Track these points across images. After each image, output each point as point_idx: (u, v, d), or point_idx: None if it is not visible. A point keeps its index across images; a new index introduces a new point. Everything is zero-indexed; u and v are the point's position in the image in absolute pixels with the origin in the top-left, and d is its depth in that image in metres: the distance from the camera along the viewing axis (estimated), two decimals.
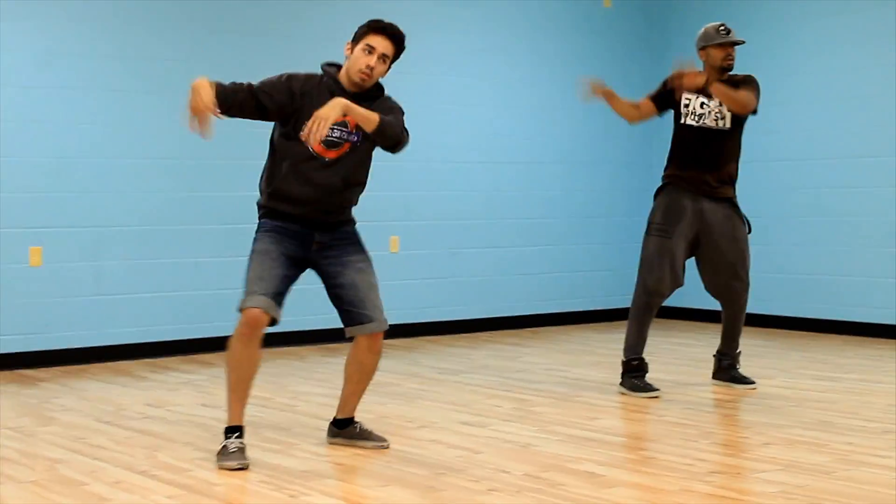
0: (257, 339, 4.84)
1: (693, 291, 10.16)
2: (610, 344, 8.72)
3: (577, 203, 10.22)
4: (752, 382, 6.70)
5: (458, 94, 9.55)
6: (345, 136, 4.95)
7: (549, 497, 4.28)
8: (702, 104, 6.48)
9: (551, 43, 10.06)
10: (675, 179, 6.58)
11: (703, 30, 6.57)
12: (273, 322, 4.87)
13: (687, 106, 6.52)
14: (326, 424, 5.38)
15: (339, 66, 5.07)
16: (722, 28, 6.50)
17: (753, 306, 7.53)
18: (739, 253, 6.55)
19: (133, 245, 8.08)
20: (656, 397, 6.36)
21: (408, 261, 9.23)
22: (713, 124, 6.48)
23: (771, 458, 4.91)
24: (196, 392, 6.75)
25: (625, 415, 5.96)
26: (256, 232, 5.02)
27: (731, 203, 6.58)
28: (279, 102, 4.90)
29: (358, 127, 4.90)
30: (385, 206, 9.13)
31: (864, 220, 9.11)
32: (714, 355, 6.90)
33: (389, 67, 5.07)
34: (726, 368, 6.78)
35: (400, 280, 9.16)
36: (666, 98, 6.59)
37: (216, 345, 8.28)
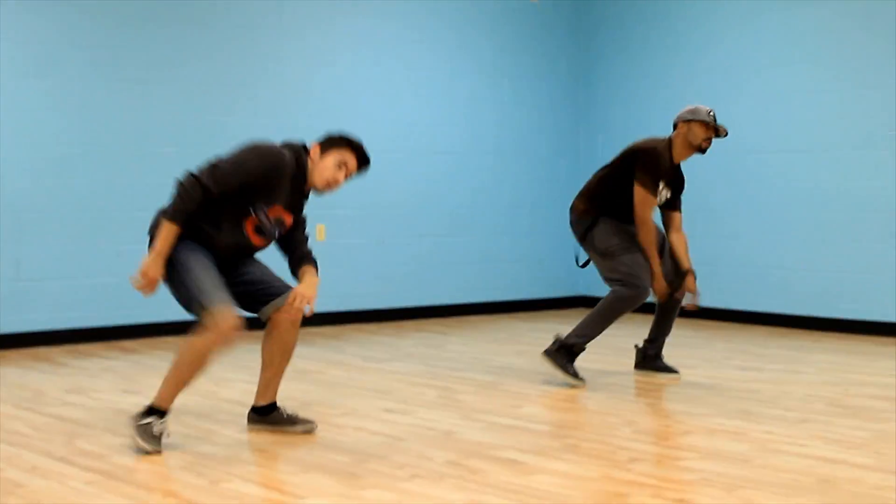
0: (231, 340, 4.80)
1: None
2: (534, 333, 8.75)
3: (504, 193, 10.23)
4: (676, 372, 6.76)
5: (386, 84, 9.52)
6: (277, 232, 5.10)
7: (471, 483, 4.28)
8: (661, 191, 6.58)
9: (479, 34, 10.06)
10: (608, 214, 6.60)
11: (693, 106, 6.56)
12: None
13: (661, 192, 6.56)
14: (246, 410, 5.34)
15: (304, 150, 5.12)
16: (712, 112, 6.51)
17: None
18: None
19: (54, 231, 7.98)
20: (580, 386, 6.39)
21: (334, 249, 9.18)
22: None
23: (691, 447, 4.95)
24: (117, 378, 6.67)
25: (548, 403, 5.98)
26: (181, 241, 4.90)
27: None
28: (235, 188, 4.87)
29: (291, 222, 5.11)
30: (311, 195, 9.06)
31: (784, 211, 9.22)
32: (637, 346, 6.94)
33: None
34: (651, 358, 6.83)
35: (326, 269, 9.04)
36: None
37: (138, 332, 8.24)
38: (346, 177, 5.11)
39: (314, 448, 4.87)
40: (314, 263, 5.16)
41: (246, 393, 6.02)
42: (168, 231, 4.76)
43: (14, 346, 7.74)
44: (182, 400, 5.77)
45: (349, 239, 9.30)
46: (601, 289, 10.34)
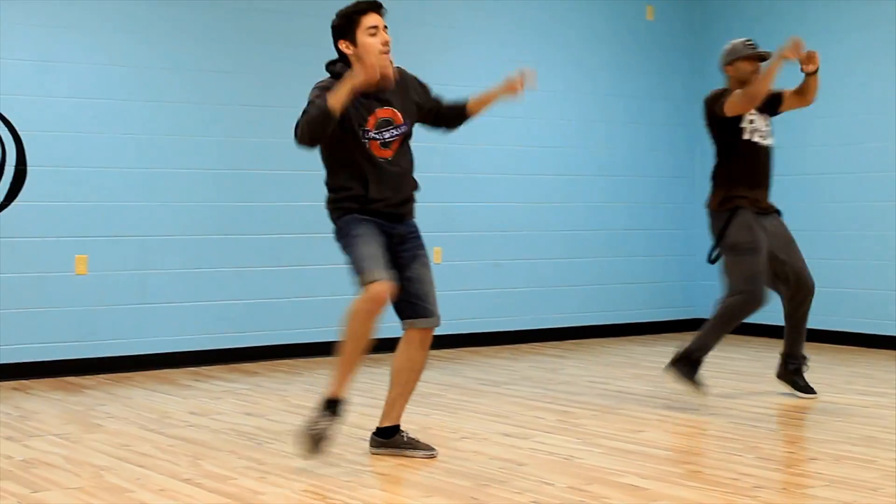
0: (379, 314, 4.88)
1: None
2: (652, 356, 8.69)
3: (619, 215, 10.18)
4: (813, 392, 6.67)
5: (500, 106, 9.49)
6: (401, 130, 5.14)
7: None
8: (752, 121, 6.51)
9: (593, 54, 10.04)
10: (745, 201, 6.52)
11: (729, 45, 6.62)
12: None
13: (752, 122, 6.51)
14: (368, 434, 5.38)
15: (340, 61, 5.10)
16: (749, 42, 6.55)
17: None
18: (800, 255, 6.62)
19: (177, 254, 8.14)
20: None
21: (450, 272, 9.22)
22: (769, 142, 6.59)
23: (817, 474, 4.87)
24: (239, 401, 6.77)
25: (669, 428, 5.93)
26: (342, 222, 5.04)
27: (778, 212, 6.71)
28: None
29: (403, 118, 5.10)
30: (427, 218, 9.09)
31: None
32: (781, 355, 6.83)
33: None
34: (791, 372, 6.74)
35: (442, 291, 9.04)
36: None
37: (258, 354, 8.36)
38: (385, 35, 5.01)
39: (435, 472, 4.89)
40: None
41: (365, 416, 6.07)
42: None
43: (139, 368, 7.91)
44: (303, 422, 5.85)
45: (465, 261, 9.33)
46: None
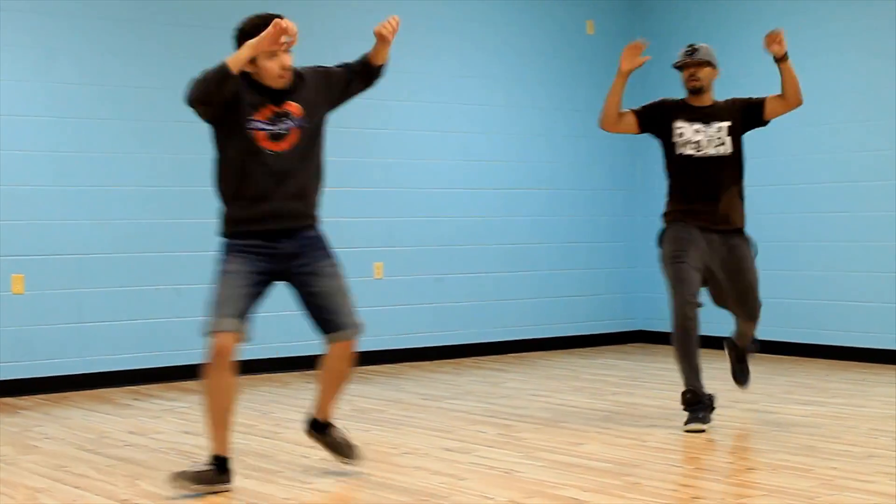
0: (230, 365, 4.75)
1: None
2: (593, 369, 8.72)
3: (561, 228, 10.22)
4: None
5: (439, 120, 9.56)
6: (291, 125, 4.91)
7: None
8: (696, 130, 6.28)
9: (534, 68, 10.08)
10: (678, 215, 6.31)
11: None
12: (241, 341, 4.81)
13: (681, 135, 6.30)
14: (310, 451, 5.35)
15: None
16: (688, 48, 6.38)
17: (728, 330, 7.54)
18: (748, 285, 6.30)
19: (113, 272, 8.06)
20: (702, 430, 6.09)
21: (392, 287, 9.21)
22: (714, 151, 6.25)
23: (755, 484, 4.90)
24: (178, 419, 6.71)
25: (609, 440, 5.94)
26: (220, 247, 4.97)
27: (739, 232, 6.30)
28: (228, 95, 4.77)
29: (305, 112, 4.92)
30: (368, 233, 9.14)
31: (845, 245, 9.13)
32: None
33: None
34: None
35: (384, 306, 9.15)
36: (653, 119, 6.41)
37: (197, 372, 8.28)
38: (286, 52, 4.85)
39: (376, 488, 4.87)
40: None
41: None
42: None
43: (77, 388, 7.82)
44: (244, 441, 5.83)
45: (406, 276, 9.32)
46: (659, 324, 10.35)
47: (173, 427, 6.46)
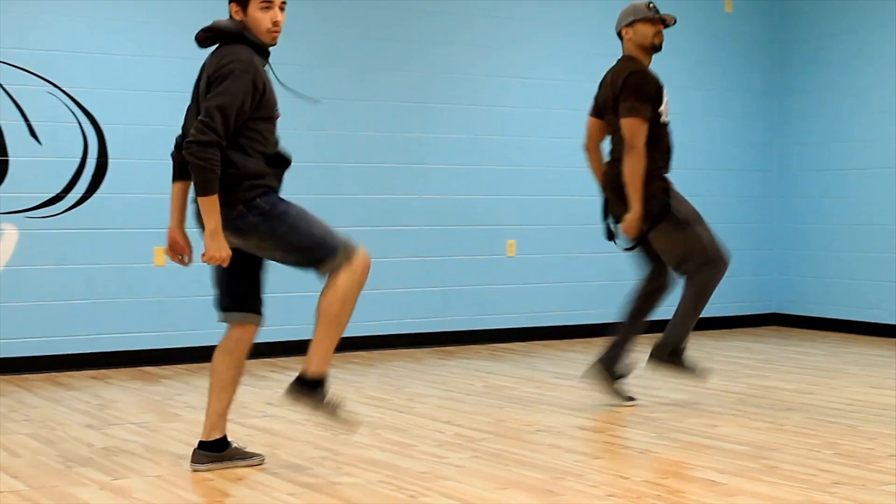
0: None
1: (813, 300, 10.05)
2: (727, 352, 8.62)
3: (697, 208, 10.07)
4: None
5: (574, 98, 9.49)
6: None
7: None
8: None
9: (670, 47, 9.90)
10: (668, 183, 6.26)
11: (629, 6, 6.18)
12: None
13: (666, 102, 6.19)
14: (445, 426, 5.39)
15: (237, 29, 4.66)
16: (651, 4, 6.13)
17: (868, 314, 7.39)
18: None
19: None
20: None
21: (524, 265, 9.22)
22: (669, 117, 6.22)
23: None
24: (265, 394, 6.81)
25: (745, 423, 5.87)
26: (276, 201, 4.67)
27: None
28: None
29: None
30: (501, 211, 9.16)
31: None
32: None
33: None
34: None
35: (516, 284, 9.17)
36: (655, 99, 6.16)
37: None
38: (278, 14, 4.64)
39: (510, 464, 4.89)
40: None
41: (441, 409, 6.11)
42: (209, 205, 4.49)
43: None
44: (378, 414, 5.90)
45: (539, 254, 9.32)
46: (794, 307, 10.20)
47: (261, 399, 6.54)
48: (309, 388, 4.68)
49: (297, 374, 4.74)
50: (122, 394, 6.76)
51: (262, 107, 4.62)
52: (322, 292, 4.64)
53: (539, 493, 4.42)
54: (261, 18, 4.63)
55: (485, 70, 9.08)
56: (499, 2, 9.14)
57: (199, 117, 4.54)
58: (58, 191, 7.64)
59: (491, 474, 4.75)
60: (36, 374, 7.44)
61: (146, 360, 7.87)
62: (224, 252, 4.56)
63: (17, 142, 7.53)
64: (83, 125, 7.69)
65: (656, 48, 6.18)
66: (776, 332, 9.92)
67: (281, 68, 8.21)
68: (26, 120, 7.55)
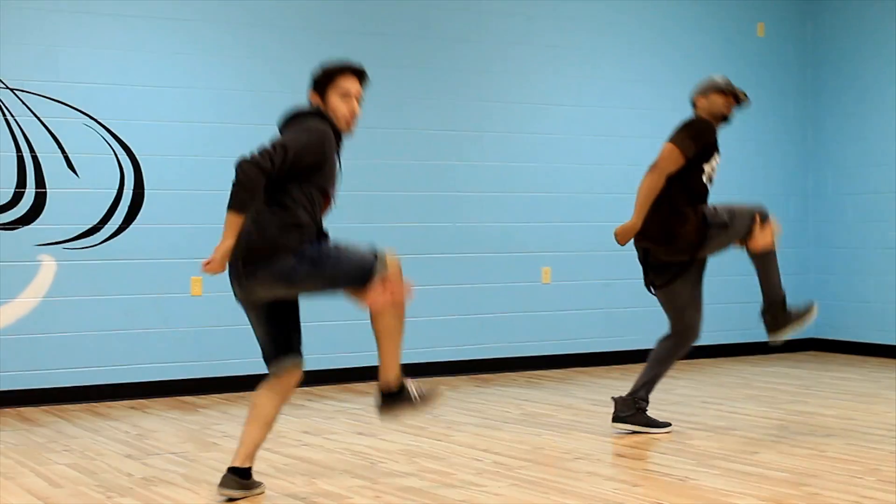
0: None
1: (852, 324, 9.98)
2: (765, 377, 8.58)
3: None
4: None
5: (606, 125, 9.52)
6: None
7: None
8: (715, 162, 6.42)
9: (703, 72, 9.92)
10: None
11: (707, 78, 6.45)
12: None
13: (713, 168, 6.41)
14: (483, 454, 5.37)
15: (316, 109, 4.88)
16: (728, 81, 6.39)
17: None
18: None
19: None
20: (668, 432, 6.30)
21: (560, 291, 9.21)
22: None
23: None
24: (351, 420, 6.82)
25: (785, 450, 5.83)
26: (313, 246, 4.77)
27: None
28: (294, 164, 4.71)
29: None
30: (536, 237, 9.15)
31: None
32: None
33: None
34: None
35: (552, 311, 9.15)
36: (706, 148, 6.32)
37: (370, 374, 8.40)
38: (357, 102, 4.88)
39: (549, 492, 4.87)
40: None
41: (478, 437, 6.10)
42: (234, 222, 4.64)
43: (252, 388, 7.99)
44: (416, 443, 5.89)
45: (575, 280, 9.30)
46: (833, 331, 10.14)
47: (346, 428, 6.56)
48: (398, 398, 4.91)
49: (382, 393, 4.92)
50: (160, 423, 6.78)
51: (319, 175, 4.73)
52: (372, 318, 4.85)
53: None
54: (339, 107, 4.84)
55: (518, 97, 9.10)
56: (531, 29, 9.16)
57: (263, 145, 4.64)
58: (95, 222, 7.70)
59: (530, 502, 4.72)
60: (74, 405, 7.48)
61: (183, 389, 7.89)
62: (220, 269, 4.75)
63: (54, 174, 7.59)
64: (119, 156, 7.75)
65: (725, 119, 6.42)
66: (815, 358, 9.85)
67: None
68: (63, 152, 7.62)
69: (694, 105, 6.43)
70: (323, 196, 4.80)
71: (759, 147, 10.22)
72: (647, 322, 9.59)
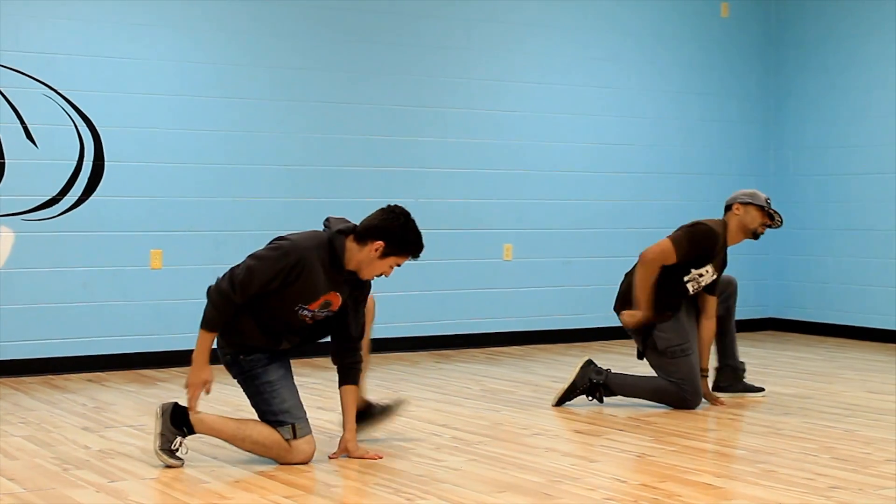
0: None
1: (811, 304, 10.05)
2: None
3: (692, 214, 10.01)
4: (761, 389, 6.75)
5: (571, 102, 9.52)
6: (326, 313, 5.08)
7: None
8: (710, 273, 6.43)
9: (667, 51, 9.98)
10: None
11: (750, 190, 6.50)
12: None
13: (701, 276, 6.37)
14: (441, 429, 5.38)
15: (330, 234, 5.04)
16: (769, 200, 6.43)
17: (865, 319, 7.38)
18: None
19: (249, 248, 8.18)
20: None
21: (520, 268, 9.22)
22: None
23: (894, 475, 4.80)
24: (312, 395, 6.80)
25: (741, 427, 5.88)
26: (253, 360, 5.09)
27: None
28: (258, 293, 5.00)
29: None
30: (498, 214, 9.15)
31: None
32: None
33: None
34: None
35: (512, 288, 9.17)
36: (699, 256, 6.38)
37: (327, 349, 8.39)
38: (390, 272, 5.07)
39: (507, 468, 4.88)
40: (356, 378, 5.17)
41: (438, 412, 6.11)
42: (203, 339, 5.03)
43: (213, 362, 7.97)
44: None
45: (535, 258, 9.32)
46: (791, 311, 10.21)
47: (307, 403, 6.53)
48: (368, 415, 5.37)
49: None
50: (118, 397, 6.74)
51: (286, 295, 4.92)
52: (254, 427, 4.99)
53: (536, 496, 4.41)
54: (378, 269, 5.00)
55: (481, 74, 9.08)
56: (495, 6, 9.14)
57: (233, 268, 5.06)
58: (54, 193, 7.64)
59: (488, 477, 4.74)
60: (32, 377, 7.43)
61: (142, 362, 7.86)
62: (199, 379, 5.03)
63: (13, 144, 7.52)
64: (79, 128, 7.69)
65: (754, 235, 6.46)
66: (773, 337, 9.92)
67: (276, 72, 8.24)
68: (23, 122, 7.55)
69: (728, 208, 6.46)
70: (290, 314, 4.99)
71: (721, 127, 10.26)
72: (608, 300, 9.63)
